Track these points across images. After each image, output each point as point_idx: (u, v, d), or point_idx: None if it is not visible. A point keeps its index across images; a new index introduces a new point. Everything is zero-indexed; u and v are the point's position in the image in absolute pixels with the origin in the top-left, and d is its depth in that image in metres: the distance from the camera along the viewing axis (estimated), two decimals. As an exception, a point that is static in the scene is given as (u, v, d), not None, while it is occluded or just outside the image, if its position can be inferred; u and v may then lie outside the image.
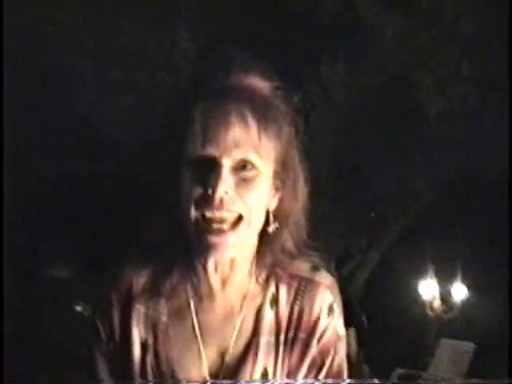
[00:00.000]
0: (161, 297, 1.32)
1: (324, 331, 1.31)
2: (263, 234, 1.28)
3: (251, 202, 1.19)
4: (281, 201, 1.27)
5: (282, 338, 1.30)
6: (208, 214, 1.19)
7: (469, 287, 7.98)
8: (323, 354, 1.31)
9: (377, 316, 7.33)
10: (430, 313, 8.07)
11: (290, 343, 1.31)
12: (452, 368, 6.95)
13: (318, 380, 1.32)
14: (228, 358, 1.28)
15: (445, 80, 6.58)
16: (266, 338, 1.30)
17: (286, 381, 1.31)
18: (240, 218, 1.19)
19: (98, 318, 1.35)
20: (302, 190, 1.28)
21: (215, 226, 1.19)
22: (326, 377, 1.30)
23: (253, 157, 1.18)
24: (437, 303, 8.01)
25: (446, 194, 8.31)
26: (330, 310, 1.32)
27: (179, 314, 1.32)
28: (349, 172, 7.07)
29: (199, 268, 1.30)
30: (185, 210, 1.21)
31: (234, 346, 1.29)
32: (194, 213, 1.20)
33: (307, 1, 6.30)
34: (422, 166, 7.68)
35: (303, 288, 1.32)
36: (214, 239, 1.19)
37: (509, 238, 6.86)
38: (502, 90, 6.20)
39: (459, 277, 7.94)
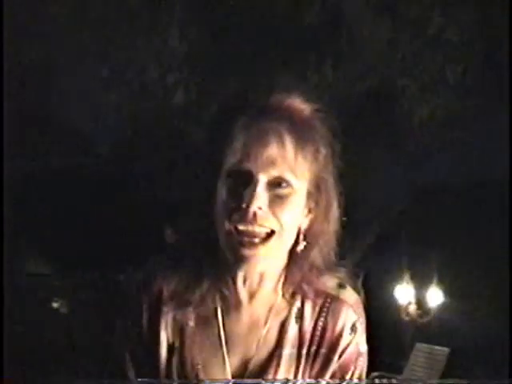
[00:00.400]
0: (189, 304, 1.35)
1: (345, 348, 1.35)
2: (292, 251, 1.32)
3: (283, 218, 1.23)
4: (312, 221, 1.31)
5: (304, 351, 1.34)
6: (241, 227, 1.22)
7: (444, 292, 8.07)
8: (343, 369, 1.35)
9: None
10: (405, 317, 8.16)
11: (312, 357, 1.35)
12: (426, 372, 7.04)
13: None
14: (251, 366, 1.33)
15: (429, 87, 6.67)
16: (288, 350, 1.34)
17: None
18: (271, 233, 1.23)
19: (129, 319, 1.39)
20: (335, 213, 1.32)
21: (247, 239, 1.23)
22: None
23: (288, 175, 1.22)
24: (412, 308, 8.10)
25: (423, 199, 8.42)
26: (353, 328, 1.35)
27: (206, 321, 1.36)
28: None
29: (229, 280, 1.34)
30: (219, 220, 1.25)
31: (258, 356, 1.34)
32: (227, 224, 1.23)
33: (295, 6, 6.35)
34: (400, 172, 7.78)
35: (328, 305, 1.35)
36: (245, 251, 1.23)
37: (485, 243, 6.97)
38: (486, 98, 6.32)
39: (435, 282, 8.03)
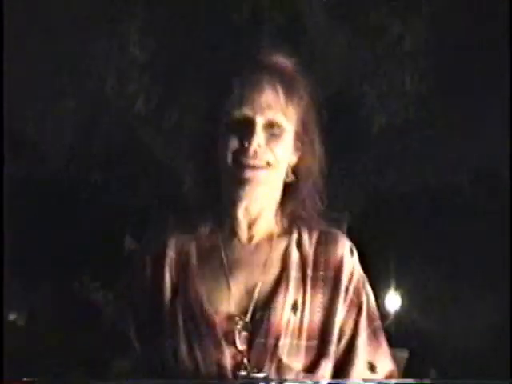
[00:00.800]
0: (192, 241, 1.48)
1: (352, 271, 1.44)
2: (285, 185, 1.48)
3: (277, 152, 1.42)
4: (299, 158, 1.48)
5: (309, 273, 1.43)
6: (244, 161, 1.40)
7: (402, 297, 8.16)
8: (358, 293, 1.44)
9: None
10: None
11: (321, 281, 1.43)
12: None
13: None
14: (257, 292, 1.42)
15: (388, 95, 6.77)
16: (295, 272, 1.43)
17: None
18: (268, 165, 1.42)
19: (131, 277, 1.50)
20: (318, 150, 1.49)
21: (249, 168, 1.41)
22: (367, 317, 1.44)
23: (280, 117, 1.41)
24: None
25: (382, 206, 8.53)
26: (351, 251, 1.46)
27: (209, 255, 1.47)
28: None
29: (231, 213, 1.46)
30: (223, 158, 1.43)
31: (264, 281, 1.43)
32: (230, 160, 1.41)
33: (251, 10, 6.37)
34: (359, 179, 7.87)
35: (323, 235, 1.48)
36: (248, 173, 1.40)
37: (444, 247, 7.08)
38: (443, 107, 6.44)
39: (393, 287, 8.11)
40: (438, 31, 6.55)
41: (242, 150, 1.40)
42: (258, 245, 1.46)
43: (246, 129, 1.40)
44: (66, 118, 7.29)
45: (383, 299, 8.34)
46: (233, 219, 1.46)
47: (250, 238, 1.47)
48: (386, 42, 6.61)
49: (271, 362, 1.37)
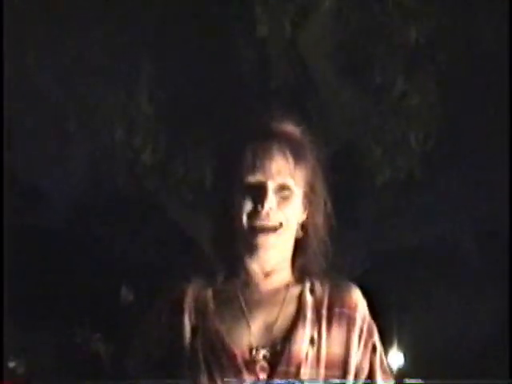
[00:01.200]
0: (209, 287, 1.60)
1: (365, 313, 1.59)
2: (296, 241, 1.62)
3: (288, 213, 1.57)
4: (308, 216, 1.62)
5: (323, 312, 1.56)
6: (257, 223, 1.55)
7: (405, 355, 8.08)
8: (370, 333, 1.58)
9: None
10: (366, 379, 8.09)
11: (336, 317, 1.57)
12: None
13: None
14: (276, 327, 1.55)
15: (392, 151, 6.82)
16: (309, 313, 1.56)
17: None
18: (280, 226, 1.56)
19: (146, 326, 1.63)
20: (324, 208, 1.64)
21: (261, 232, 1.55)
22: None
23: (289, 181, 1.57)
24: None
25: (383, 263, 8.51)
26: (363, 298, 1.62)
27: (227, 301, 1.59)
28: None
29: (246, 266, 1.60)
30: (238, 219, 1.57)
31: (282, 318, 1.56)
32: (245, 222, 1.56)
33: (262, 69, 6.48)
34: (360, 235, 7.87)
35: (335, 285, 1.62)
36: (261, 238, 1.54)
37: (446, 304, 7.04)
38: (449, 162, 6.48)
39: (395, 344, 8.04)
40: (443, 89, 6.63)
41: (256, 213, 1.56)
42: (274, 289, 1.60)
43: (258, 192, 1.56)
44: (70, 167, 7.34)
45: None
46: (248, 272, 1.60)
47: (267, 284, 1.60)
48: (391, 98, 6.69)
49: None
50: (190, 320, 1.56)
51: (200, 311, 1.57)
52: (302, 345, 1.51)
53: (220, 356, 1.50)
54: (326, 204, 1.63)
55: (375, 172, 6.92)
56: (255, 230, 1.54)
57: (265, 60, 6.29)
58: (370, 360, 1.55)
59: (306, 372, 1.50)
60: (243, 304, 1.56)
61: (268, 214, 1.54)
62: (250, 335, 1.53)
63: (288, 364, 1.49)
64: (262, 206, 1.54)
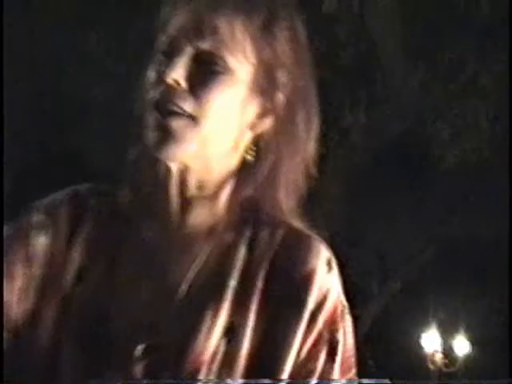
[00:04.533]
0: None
1: (326, 293, 0.98)
2: (243, 160, 1.03)
3: (212, 102, 0.96)
4: (271, 128, 1.01)
5: (258, 284, 0.97)
6: (154, 99, 0.97)
7: (471, 341, 7.95)
8: (332, 327, 0.98)
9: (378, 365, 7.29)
10: (431, 366, 8.04)
11: (274, 299, 0.97)
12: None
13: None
14: (180, 296, 0.98)
15: (461, 133, 6.72)
16: (235, 280, 0.97)
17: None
18: (191, 118, 0.96)
19: None
20: (307, 126, 1.03)
21: (162, 118, 0.96)
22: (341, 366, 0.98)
23: (223, 52, 0.96)
24: (438, 357, 7.98)
25: (448, 248, 8.38)
26: (329, 265, 1.00)
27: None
28: (359, 225, 7.14)
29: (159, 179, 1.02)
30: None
31: (191, 285, 0.98)
32: (146, 102, 0.99)
33: (329, 46, 6.43)
34: (426, 219, 7.77)
35: (292, 237, 1.01)
36: (164, 144, 0.97)
37: (509, 293, 6.88)
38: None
39: (461, 331, 7.92)
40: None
41: (156, 87, 0.98)
42: (190, 233, 1.01)
43: (166, 57, 0.99)
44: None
45: (451, 344, 8.15)
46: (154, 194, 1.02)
47: (182, 225, 1.01)
48: (461, 79, 6.58)
49: None
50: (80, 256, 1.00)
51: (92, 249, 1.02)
52: (209, 338, 0.94)
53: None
54: (308, 121, 1.03)
55: (443, 155, 6.82)
56: (153, 114, 0.96)
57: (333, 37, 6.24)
58: (322, 368, 0.96)
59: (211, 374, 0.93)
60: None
61: (174, 90, 0.95)
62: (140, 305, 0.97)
63: (183, 363, 0.93)
64: (163, 76, 0.95)
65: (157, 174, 1.01)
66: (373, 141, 6.74)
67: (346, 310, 1.01)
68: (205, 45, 0.96)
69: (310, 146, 1.03)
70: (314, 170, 1.04)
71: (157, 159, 0.98)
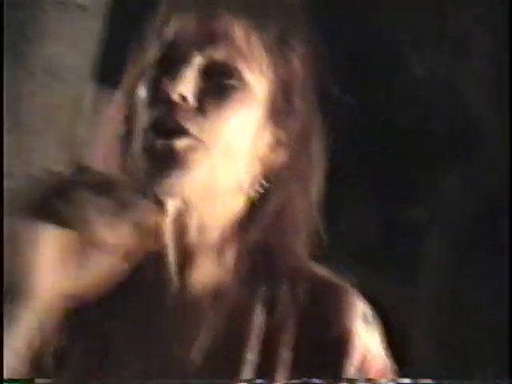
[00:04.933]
0: None
1: (365, 353, 0.82)
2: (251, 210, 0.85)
3: (221, 125, 0.80)
4: (285, 156, 0.85)
5: (284, 355, 0.81)
6: (157, 125, 0.79)
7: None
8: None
9: None
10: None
11: (303, 368, 0.80)
12: None
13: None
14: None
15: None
16: (253, 354, 0.81)
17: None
18: (198, 141, 0.79)
19: None
20: (318, 150, 0.86)
21: (162, 142, 0.78)
22: None
23: (238, 64, 0.81)
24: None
25: None
26: (365, 320, 0.84)
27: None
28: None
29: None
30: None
31: (198, 368, 0.81)
32: (144, 122, 0.81)
33: (416, 109, 6.39)
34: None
35: (317, 290, 0.84)
36: (163, 160, 0.78)
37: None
38: None
39: None
40: None
41: (158, 105, 0.79)
42: (193, 301, 0.83)
43: (169, 67, 0.80)
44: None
45: None
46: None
47: (182, 284, 0.83)
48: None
49: None
50: None
51: None
52: None
53: None
54: (320, 145, 0.86)
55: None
56: (149, 137, 0.78)
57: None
58: None
59: None
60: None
61: (179, 107, 0.77)
62: None
63: None
64: (167, 92, 0.76)
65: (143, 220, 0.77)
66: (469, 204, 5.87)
67: (389, 368, 0.85)
68: (217, 53, 0.80)
69: (320, 183, 0.87)
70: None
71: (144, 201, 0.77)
